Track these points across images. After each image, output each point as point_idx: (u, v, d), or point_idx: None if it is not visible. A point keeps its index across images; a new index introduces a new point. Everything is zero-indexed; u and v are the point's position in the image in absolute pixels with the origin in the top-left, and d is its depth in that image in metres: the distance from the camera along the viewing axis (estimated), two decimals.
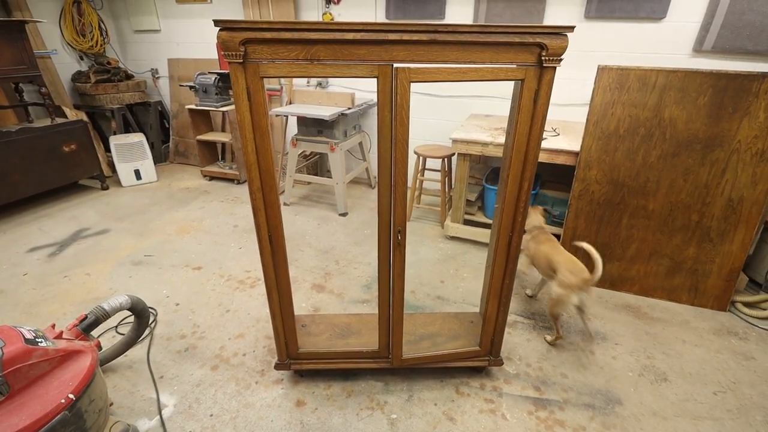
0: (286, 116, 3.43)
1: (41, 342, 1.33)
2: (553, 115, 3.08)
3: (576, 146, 2.40)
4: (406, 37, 1.12)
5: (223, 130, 4.34)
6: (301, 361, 1.76)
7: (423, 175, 3.40)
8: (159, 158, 4.70)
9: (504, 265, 1.53)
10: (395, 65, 1.18)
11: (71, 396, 1.30)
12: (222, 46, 1.13)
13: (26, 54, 3.18)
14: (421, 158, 3.15)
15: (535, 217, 2.31)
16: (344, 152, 3.33)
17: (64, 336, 1.42)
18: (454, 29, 1.11)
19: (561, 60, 1.17)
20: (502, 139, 2.59)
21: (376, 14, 3.46)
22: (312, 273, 2.62)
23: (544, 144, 2.49)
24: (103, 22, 4.40)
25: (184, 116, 4.42)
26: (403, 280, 1.53)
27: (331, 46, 1.15)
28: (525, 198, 1.38)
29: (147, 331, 2.09)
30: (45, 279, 2.52)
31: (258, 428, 1.61)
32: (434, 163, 3.47)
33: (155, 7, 4.30)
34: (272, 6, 3.65)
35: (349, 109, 3.26)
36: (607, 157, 2.28)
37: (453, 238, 3.05)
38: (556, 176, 3.15)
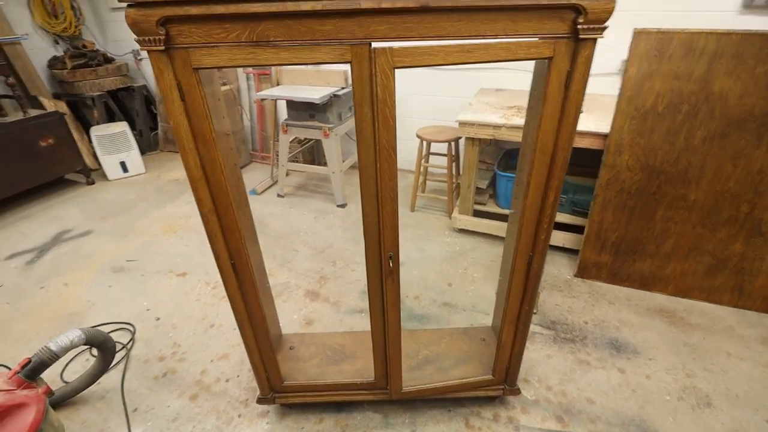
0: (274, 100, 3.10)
1: None
2: None
3: (604, 127, 2.05)
4: (386, 4, 0.80)
5: None
6: (287, 394, 1.54)
7: (428, 161, 3.08)
8: (148, 147, 4.44)
9: (522, 290, 1.25)
10: (374, 45, 0.86)
11: None
12: (134, 29, 0.83)
13: None
14: (424, 142, 2.82)
15: None
16: (340, 137, 3.02)
17: (1, 387, 1.21)
18: None
19: (605, 29, 0.84)
20: (516, 120, 2.24)
21: None
22: (306, 277, 2.38)
23: None
24: (75, 0, 4.04)
25: None
26: (398, 309, 1.26)
27: (284, 22, 0.84)
28: (551, 212, 1.08)
29: (123, 353, 1.90)
30: (20, 291, 2.34)
31: None
32: (440, 147, 3.13)
33: None
34: None
35: (343, 89, 2.91)
36: (642, 139, 1.93)
37: (461, 231, 2.76)
38: (578, 158, 2.79)
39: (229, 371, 1.80)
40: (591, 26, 0.82)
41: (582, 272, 2.31)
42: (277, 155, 3.31)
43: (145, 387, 1.74)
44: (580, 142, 2.14)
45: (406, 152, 3.44)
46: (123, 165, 3.76)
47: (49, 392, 1.32)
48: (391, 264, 1.13)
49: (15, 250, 2.72)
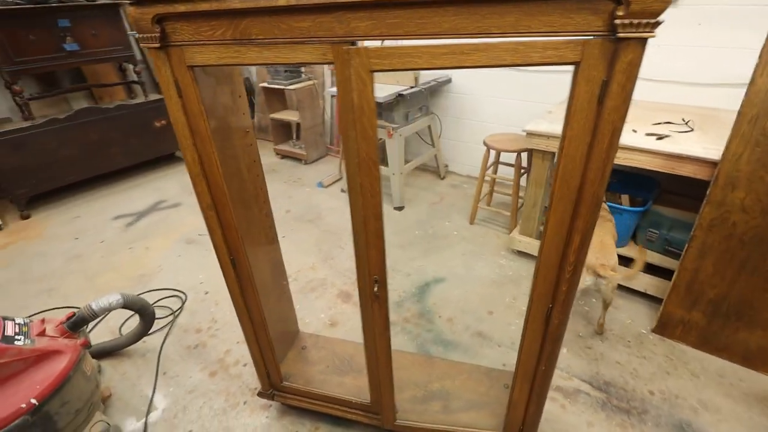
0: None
1: (19, 340, 1.32)
2: (686, 98, 2.20)
3: (714, 152, 1.60)
4: None
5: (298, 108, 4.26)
6: (285, 394, 1.52)
7: (496, 171, 2.81)
8: None
9: (539, 347, 1.02)
10: (359, 44, 0.75)
11: (33, 401, 1.26)
12: (135, 26, 0.85)
13: (122, 35, 3.44)
14: (492, 151, 2.57)
15: None
16: (404, 138, 2.92)
17: (47, 333, 1.41)
18: None
19: (657, 24, 0.60)
20: None
21: None
22: (343, 277, 2.35)
23: (661, 145, 1.73)
24: None
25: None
26: (387, 338, 1.14)
27: (264, 19, 0.78)
28: (575, 259, 0.85)
29: (170, 318, 2.10)
30: (114, 248, 2.76)
31: None
32: (511, 157, 2.83)
33: None
34: None
35: (412, 88, 2.80)
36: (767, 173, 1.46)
37: (520, 253, 2.46)
38: (681, 187, 2.26)
39: (248, 356, 1.86)
40: (636, 21, 0.59)
41: (662, 328, 1.87)
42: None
43: (179, 354, 1.90)
44: (680, 169, 1.71)
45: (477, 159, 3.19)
46: None
47: (86, 344, 1.50)
48: (376, 288, 1.01)
49: (121, 213, 3.22)
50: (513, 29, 0.66)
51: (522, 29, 0.66)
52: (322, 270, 2.42)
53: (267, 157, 4.25)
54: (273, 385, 1.52)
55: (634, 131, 1.90)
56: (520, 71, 2.86)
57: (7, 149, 2.93)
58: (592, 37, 0.64)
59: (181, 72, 0.90)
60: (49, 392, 1.31)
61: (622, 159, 1.83)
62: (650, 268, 2.06)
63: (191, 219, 3.09)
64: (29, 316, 1.64)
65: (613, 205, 2.03)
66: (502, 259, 2.46)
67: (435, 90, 3.26)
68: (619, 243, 2.14)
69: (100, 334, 2.02)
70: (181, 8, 0.80)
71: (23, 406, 1.25)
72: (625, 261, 2.10)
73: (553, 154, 2.07)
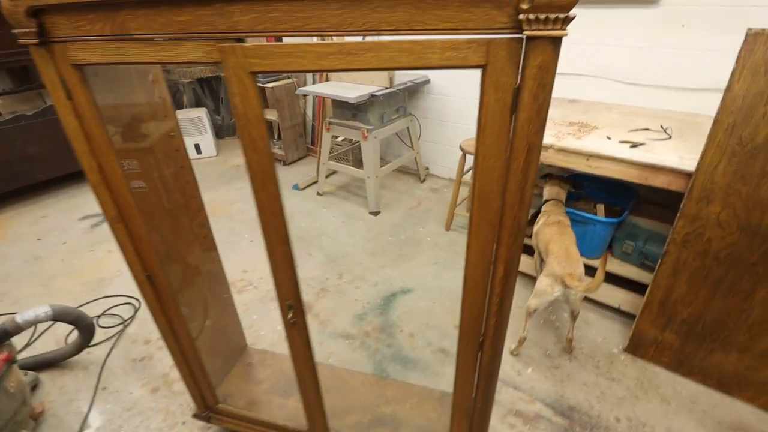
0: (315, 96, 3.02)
1: None
2: (668, 102, 2.09)
3: (690, 162, 1.49)
4: None
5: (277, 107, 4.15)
6: (221, 416, 1.42)
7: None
8: (228, 132, 4.78)
9: (472, 383, 0.91)
10: (249, 42, 0.65)
11: None
12: (9, 20, 0.74)
13: None
14: (467, 156, 2.47)
15: (554, 189, 1.99)
16: (379, 141, 2.81)
17: None
18: None
19: (568, 21, 0.49)
20: (570, 142, 1.78)
21: None
22: (307, 286, 2.25)
23: (635, 154, 1.62)
24: None
25: None
26: (312, 367, 1.04)
27: (141, 12, 0.67)
28: (501, 291, 0.74)
29: (120, 328, 2.00)
30: (76, 250, 2.65)
31: None
32: None
33: None
34: None
35: (386, 89, 2.68)
36: (745, 186, 1.35)
37: None
38: (659, 196, 2.16)
39: None
40: (543, 16, 0.49)
41: (635, 348, 1.76)
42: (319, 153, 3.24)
43: (122, 367, 1.80)
44: (653, 180, 1.60)
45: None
46: (197, 147, 4.09)
47: (9, 359, 1.39)
48: (290, 315, 0.91)
49: (88, 213, 3.12)
50: (406, 26, 0.55)
51: (416, 26, 0.55)
52: None
53: None
54: (208, 407, 1.42)
55: (608, 138, 1.79)
56: None
57: None
58: (497, 36, 0.53)
59: (67, 71, 0.79)
60: None
61: (593, 168, 1.72)
62: (626, 283, 1.95)
63: None
64: None
65: (587, 215, 1.92)
66: None
67: (413, 91, 3.15)
68: (594, 254, 2.03)
69: (46, 343, 1.91)
70: (44, 0, 0.69)
71: None
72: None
73: None
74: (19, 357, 1.82)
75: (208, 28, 0.65)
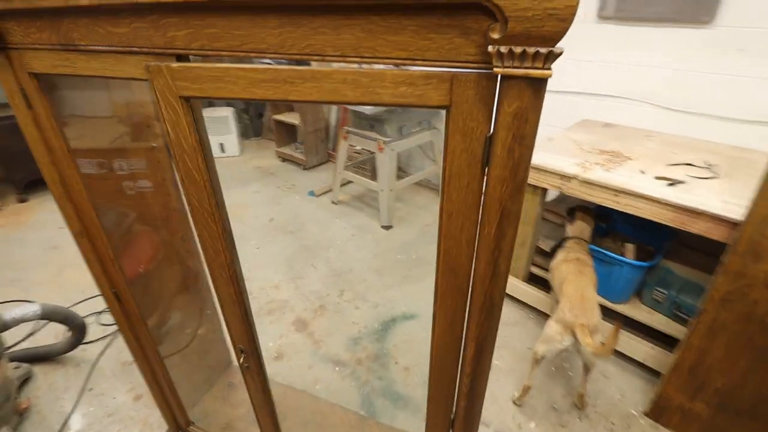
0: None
1: None
2: (717, 134, 1.86)
3: (737, 209, 1.28)
4: None
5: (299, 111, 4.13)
6: None
7: None
8: (254, 133, 4.84)
9: None
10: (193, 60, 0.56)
11: None
12: None
13: None
14: None
15: (581, 225, 1.80)
16: (396, 153, 2.70)
17: None
18: None
19: (554, 57, 0.36)
20: (596, 173, 1.60)
21: None
22: (306, 301, 2.17)
23: (671, 193, 1.42)
24: None
25: None
26: (271, 414, 0.93)
27: (82, 21, 0.60)
28: (473, 371, 0.61)
29: (116, 328, 1.99)
30: None
31: None
32: None
33: None
34: None
35: None
36: None
37: (508, 296, 2.17)
38: (700, 240, 1.91)
39: None
40: (519, 49, 0.36)
41: (657, 413, 1.55)
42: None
43: (112, 369, 1.78)
44: (691, 226, 1.40)
45: None
46: (221, 146, 4.14)
47: None
48: (242, 359, 0.81)
49: None
50: (354, 52, 0.44)
51: (365, 52, 0.44)
52: (287, 290, 2.25)
53: (268, 159, 4.15)
54: (179, 427, 1.35)
55: (642, 172, 1.59)
56: None
57: (6, 132, 2.96)
58: (463, 71, 0.41)
59: (25, 80, 0.74)
60: None
61: (622, 205, 1.53)
62: (654, 334, 1.73)
63: None
64: None
65: (614, 255, 1.72)
66: None
67: None
68: (619, 298, 1.82)
69: (48, 335, 1.94)
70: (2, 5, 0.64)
71: None
72: (625, 321, 1.78)
73: (544, 189, 1.79)
74: (18, 348, 1.84)
75: (146, 43, 0.57)
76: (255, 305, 2.14)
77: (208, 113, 4.02)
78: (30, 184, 3.29)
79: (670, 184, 1.49)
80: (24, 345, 1.88)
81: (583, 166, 1.67)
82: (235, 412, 1.44)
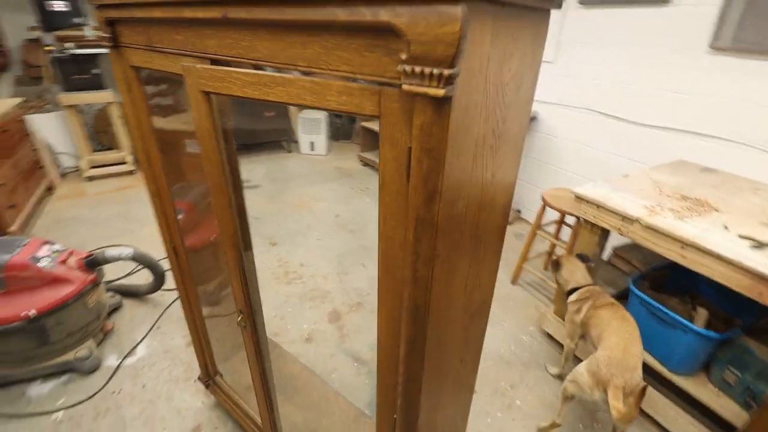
0: None
1: (42, 262, 1.63)
2: None
3: None
4: (200, 13, 0.63)
5: None
6: (215, 388, 1.55)
7: (559, 233, 2.38)
8: (344, 136, 5.21)
9: None
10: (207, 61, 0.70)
11: (33, 312, 1.55)
12: (100, 28, 0.96)
13: None
14: (546, 207, 2.18)
15: (578, 272, 1.65)
16: None
17: (68, 263, 1.71)
18: None
19: (449, 79, 0.40)
20: (665, 220, 1.42)
21: None
22: (347, 296, 2.29)
23: (751, 257, 1.21)
24: None
25: None
26: (263, 372, 1.05)
27: (158, 29, 0.79)
28: (405, 371, 0.64)
29: None
30: None
31: (150, 427, 1.54)
32: None
33: None
34: None
35: None
36: None
37: (549, 336, 2.02)
38: None
39: None
40: (419, 69, 0.40)
41: None
42: None
43: (177, 316, 2.11)
44: (739, 283, 1.16)
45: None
46: (312, 144, 4.56)
47: (94, 281, 1.77)
48: (239, 318, 0.94)
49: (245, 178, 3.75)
50: (315, 64, 0.52)
51: (323, 65, 0.52)
52: (332, 283, 2.40)
53: (350, 161, 4.44)
54: (209, 375, 1.56)
55: (725, 227, 1.36)
56: (620, 120, 2.36)
57: None
58: (387, 87, 0.46)
59: (127, 70, 0.98)
60: (48, 310, 1.59)
61: (689, 261, 1.33)
62: (715, 418, 1.46)
63: (257, 202, 3.41)
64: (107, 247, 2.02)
65: (678, 318, 1.49)
66: (526, 336, 2.05)
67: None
68: (680, 368, 1.57)
69: (138, 278, 2.38)
70: (114, 14, 0.87)
71: (24, 314, 1.54)
72: (682, 396, 1.54)
73: (603, 229, 1.64)
74: (117, 282, 2.30)
75: (192, 48, 0.72)
76: (303, 289, 2.33)
77: (304, 114, 4.47)
78: None
79: (756, 246, 1.25)
80: (123, 281, 2.33)
81: (651, 209, 1.49)
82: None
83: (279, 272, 2.48)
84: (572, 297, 1.62)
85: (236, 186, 0.82)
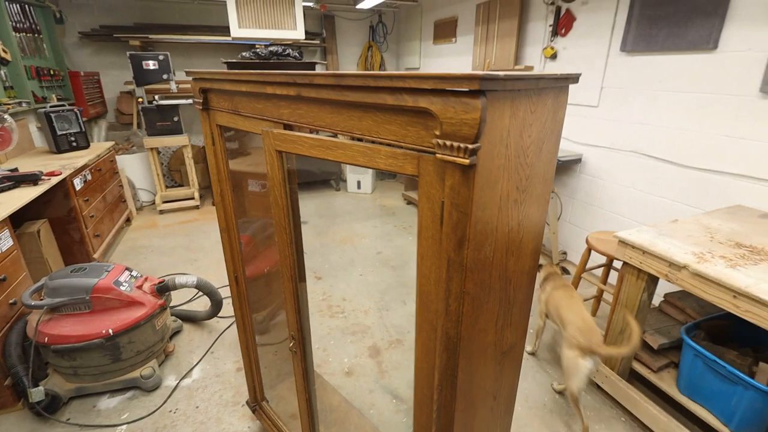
0: None
1: (123, 286, 1.87)
2: None
3: None
4: (279, 90, 0.80)
5: None
6: (261, 413, 1.64)
7: (607, 278, 2.31)
8: (389, 175, 5.43)
9: None
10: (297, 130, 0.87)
11: (110, 331, 1.77)
12: (194, 93, 1.19)
13: None
14: (592, 251, 2.15)
15: (549, 268, 2.04)
16: None
17: (143, 288, 1.95)
18: (311, 80, 0.69)
19: (473, 152, 0.50)
20: (715, 268, 1.38)
21: (610, 46, 2.57)
22: (386, 331, 2.34)
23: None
24: (383, 61, 5.46)
25: None
26: (309, 395, 1.13)
27: (244, 100, 0.98)
28: (438, 398, 0.70)
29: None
30: None
31: None
32: None
33: (419, 48, 4.92)
34: (497, 43, 3.39)
35: None
36: None
37: (595, 386, 1.93)
38: None
39: None
40: (449, 143, 0.51)
41: None
42: None
43: (230, 342, 2.27)
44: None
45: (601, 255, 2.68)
46: (359, 183, 4.80)
47: (163, 306, 1.99)
48: (291, 344, 1.04)
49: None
50: (368, 133, 0.65)
51: (374, 134, 0.64)
52: (373, 317, 2.47)
53: (394, 200, 4.60)
54: (257, 401, 1.67)
55: None
56: (669, 163, 2.31)
57: None
58: (422, 152, 0.57)
59: (213, 128, 1.19)
60: (123, 329, 1.80)
61: (743, 312, 1.27)
62: None
63: (307, 236, 3.62)
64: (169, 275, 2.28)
65: (738, 373, 1.40)
66: None
67: (562, 167, 2.94)
68: (742, 429, 1.44)
69: (197, 305, 2.60)
70: (207, 85, 1.09)
71: (104, 331, 1.76)
72: None
73: (650, 275, 1.60)
74: (179, 308, 2.52)
75: (269, 114, 0.89)
76: (345, 323, 2.42)
77: None
78: None
79: None
80: (184, 307, 2.56)
81: (701, 256, 1.45)
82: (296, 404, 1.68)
83: (323, 305, 2.60)
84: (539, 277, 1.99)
85: (296, 225, 0.96)
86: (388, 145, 0.62)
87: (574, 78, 0.67)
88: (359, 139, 0.69)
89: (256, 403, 1.68)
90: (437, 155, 0.53)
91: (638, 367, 1.81)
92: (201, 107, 1.17)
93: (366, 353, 2.17)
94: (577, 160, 2.84)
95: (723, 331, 1.70)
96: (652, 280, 1.64)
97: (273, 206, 0.91)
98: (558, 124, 0.72)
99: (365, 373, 2.04)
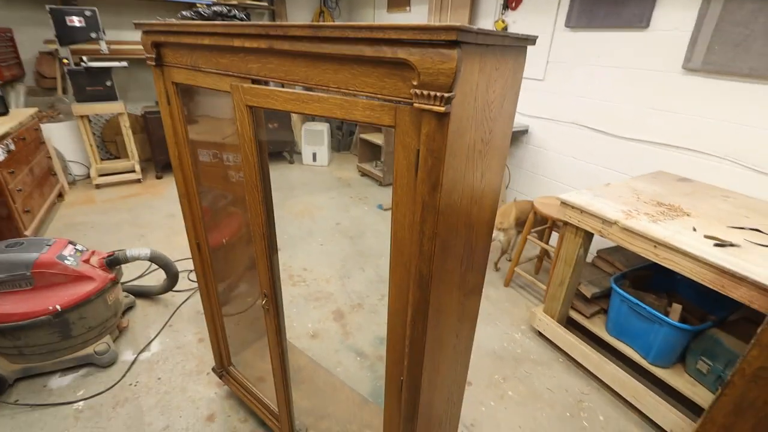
0: None
1: (68, 261, 1.76)
2: None
3: None
4: (247, 43, 0.78)
5: (384, 131, 4.52)
6: (229, 378, 1.66)
7: (549, 238, 2.53)
8: (345, 147, 5.39)
9: (398, 423, 0.93)
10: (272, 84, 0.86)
11: (58, 307, 1.67)
12: (144, 48, 1.12)
13: None
14: (537, 214, 2.34)
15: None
16: None
17: (91, 262, 1.84)
18: (286, 31, 0.69)
19: (448, 100, 0.55)
20: (639, 223, 1.58)
21: (556, 21, 2.71)
22: (348, 297, 2.42)
23: (713, 254, 1.37)
24: None
25: None
26: (282, 353, 1.17)
27: (205, 54, 0.94)
28: (411, 334, 0.78)
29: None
30: None
31: (167, 415, 1.64)
32: None
33: (373, 16, 4.83)
34: (451, 13, 3.43)
35: None
36: None
37: (539, 334, 2.15)
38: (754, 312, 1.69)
39: None
40: (426, 92, 0.56)
41: None
42: None
43: (189, 315, 2.22)
44: (732, 291, 1.32)
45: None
46: (314, 155, 4.72)
47: (114, 280, 1.89)
48: (263, 302, 1.07)
49: None
50: (344, 86, 0.68)
51: (351, 87, 0.67)
52: (334, 285, 2.53)
53: (349, 171, 4.60)
54: (223, 366, 1.68)
55: (694, 229, 1.52)
56: (605, 134, 2.54)
57: (155, 123, 3.85)
58: (402, 104, 0.62)
59: (168, 86, 1.13)
60: (72, 305, 1.70)
61: (661, 259, 1.49)
62: (690, 406, 1.59)
63: None
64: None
65: (654, 312, 1.64)
66: (518, 333, 2.19)
67: (514, 140, 3.11)
68: (658, 361, 1.71)
69: (150, 280, 2.49)
70: (162, 39, 1.03)
71: (50, 308, 1.65)
72: (662, 386, 1.68)
73: (586, 232, 1.79)
74: (132, 283, 2.41)
75: (235, 70, 0.88)
76: (306, 291, 2.46)
77: (307, 126, 4.65)
78: (167, 166, 4.16)
79: (718, 245, 1.41)
80: (135, 283, 2.45)
81: (628, 213, 1.65)
82: (266, 367, 1.72)
83: (284, 275, 2.60)
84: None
85: (266, 182, 0.96)
86: (366, 97, 0.66)
87: (533, 40, 0.74)
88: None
89: (223, 368, 1.69)
90: (414, 105, 0.58)
91: (574, 314, 2.05)
92: (154, 63, 1.10)
93: (330, 317, 2.24)
94: (524, 131, 3.02)
95: (645, 280, 1.96)
96: (588, 237, 1.84)
97: (244, 163, 0.91)
98: (517, 83, 0.79)
99: (330, 336, 2.11)
